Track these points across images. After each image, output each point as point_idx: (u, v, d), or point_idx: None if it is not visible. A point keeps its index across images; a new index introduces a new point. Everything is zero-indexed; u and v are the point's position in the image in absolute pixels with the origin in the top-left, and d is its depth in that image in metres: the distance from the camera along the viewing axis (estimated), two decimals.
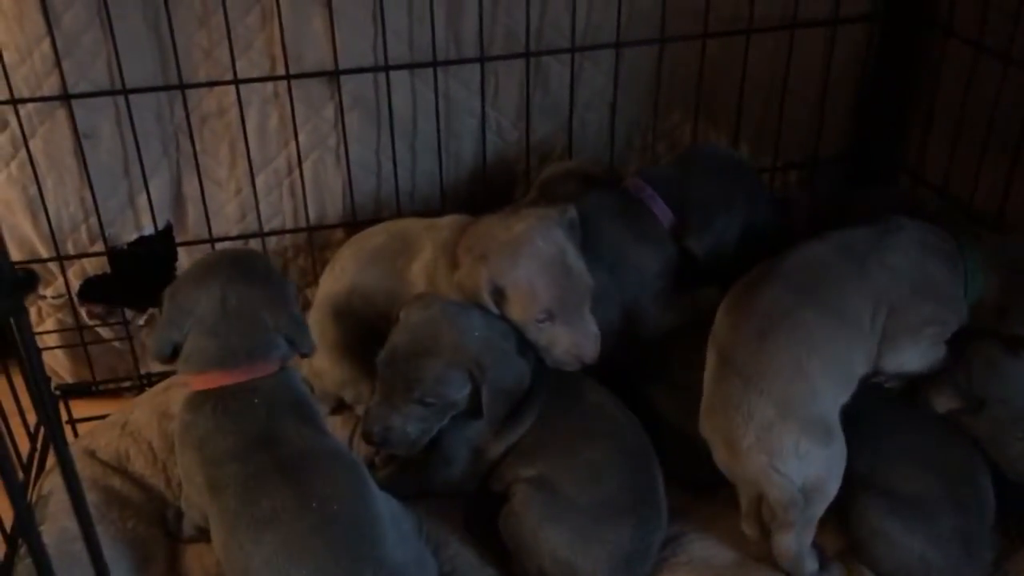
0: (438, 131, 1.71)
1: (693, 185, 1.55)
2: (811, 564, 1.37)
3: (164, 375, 1.73)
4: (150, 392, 1.68)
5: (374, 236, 1.56)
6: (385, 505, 1.24)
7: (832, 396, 1.35)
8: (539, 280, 1.37)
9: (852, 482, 1.37)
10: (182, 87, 1.56)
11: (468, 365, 1.33)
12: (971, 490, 1.40)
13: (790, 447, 1.31)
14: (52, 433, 0.75)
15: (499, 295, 1.38)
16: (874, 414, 1.41)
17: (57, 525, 1.36)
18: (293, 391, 1.29)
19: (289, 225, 1.75)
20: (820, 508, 1.35)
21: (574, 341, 1.39)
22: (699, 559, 1.39)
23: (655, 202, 1.54)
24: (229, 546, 1.19)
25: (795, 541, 1.35)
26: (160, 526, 1.44)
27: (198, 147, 1.62)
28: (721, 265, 1.54)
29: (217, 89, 1.60)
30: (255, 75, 1.59)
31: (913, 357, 1.40)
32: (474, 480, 1.43)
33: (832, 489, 1.34)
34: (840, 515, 1.40)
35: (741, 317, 1.36)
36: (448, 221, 1.51)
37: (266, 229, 1.73)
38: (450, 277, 1.42)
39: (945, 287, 1.41)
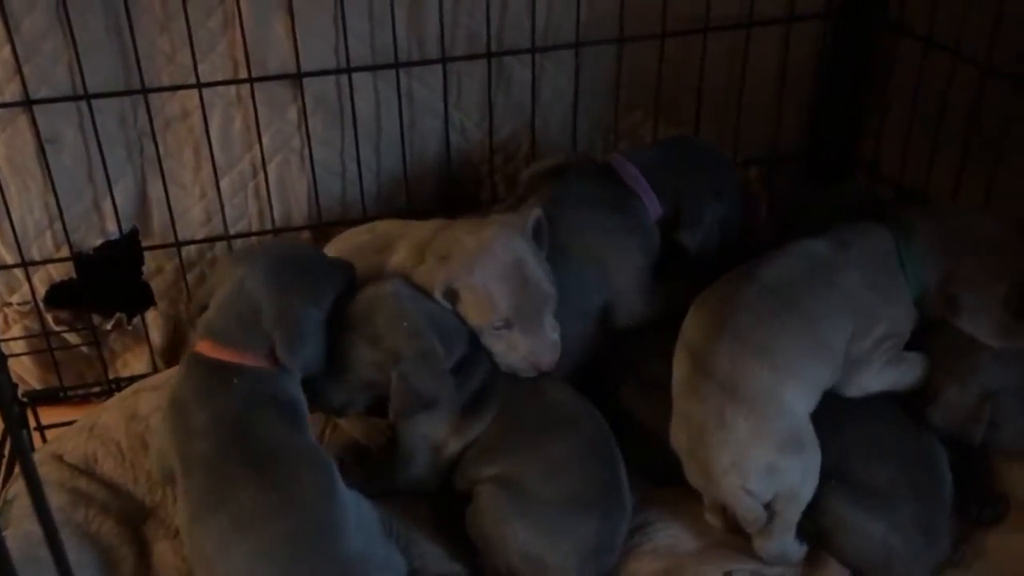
0: (402, 132, 1.72)
1: (685, 177, 1.56)
2: (796, 553, 1.40)
3: (132, 379, 1.73)
4: (118, 396, 1.67)
5: (359, 234, 1.57)
6: (353, 505, 1.26)
7: (804, 409, 1.37)
8: (496, 288, 1.38)
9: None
10: (145, 91, 1.57)
11: (384, 352, 1.33)
12: (930, 477, 1.43)
13: (763, 467, 1.33)
14: (14, 437, 0.76)
15: (453, 297, 1.39)
16: (832, 405, 1.44)
17: (21, 530, 1.36)
18: (280, 390, 1.30)
19: (255, 228, 1.76)
20: (796, 512, 1.37)
21: (531, 349, 1.40)
22: (664, 547, 1.41)
23: (647, 194, 1.54)
24: (192, 526, 1.21)
25: (776, 545, 1.38)
26: (128, 524, 1.44)
27: (162, 151, 1.63)
28: (706, 258, 1.56)
29: (180, 93, 1.61)
30: (218, 79, 1.60)
31: (873, 379, 1.43)
32: (436, 477, 1.43)
33: (807, 493, 1.36)
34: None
35: (717, 328, 1.38)
36: (428, 222, 1.52)
37: (232, 232, 1.74)
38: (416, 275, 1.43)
39: (895, 298, 1.43)
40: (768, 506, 1.37)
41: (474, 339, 1.41)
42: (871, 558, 1.39)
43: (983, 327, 1.40)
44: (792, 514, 1.37)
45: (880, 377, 1.43)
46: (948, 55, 1.60)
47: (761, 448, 1.33)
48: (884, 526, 1.38)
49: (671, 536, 1.43)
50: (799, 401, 1.36)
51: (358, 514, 1.26)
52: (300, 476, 1.22)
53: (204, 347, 1.30)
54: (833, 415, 1.42)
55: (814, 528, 1.42)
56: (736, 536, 1.42)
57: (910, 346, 1.46)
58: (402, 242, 1.50)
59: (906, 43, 1.74)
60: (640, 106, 1.86)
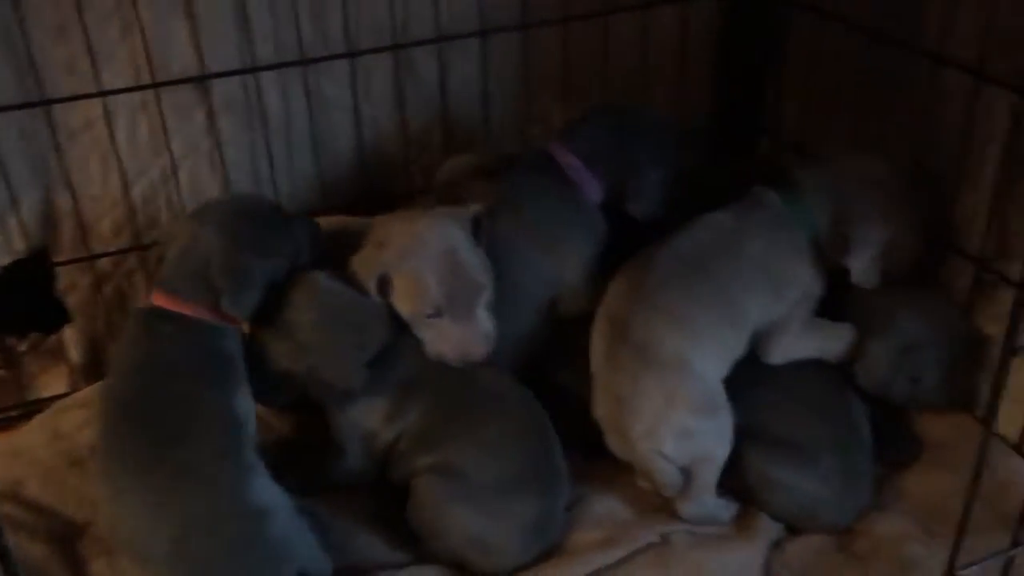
0: (312, 129, 1.72)
1: (623, 150, 1.57)
2: (723, 512, 1.46)
3: (53, 399, 1.70)
4: (40, 417, 1.64)
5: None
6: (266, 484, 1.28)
7: (716, 374, 1.44)
8: (428, 275, 1.39)
9: (737, 434, 1.45)
10: (45, 103, 1.53)
11: (295, 343, 1.34)
12: (849, 428, 1.49)
13: (677, 432, 1.39)
14: None
15: (386, 285, 1.40)
16: (748, 365, 1.49)
17: None
18: (216, 344, 1.32)
19: None
20: (712, 474, 1.43)
21: (462, 339, 1.41)
22: (603, 516, 1.45)
23: (588, 183, 1.57)
24: (97, 463, 1.28)
25: (696, 506, 1.43)
26: (60, 544, 1.41)
27: (68, 163, 1.60)
28: (658, 221, 1.59)
29: (83, 103, 1.57)
30: (120, 86, 1.57)
31: (795, 345, 1.50)
32: (372, 467, 1.45)
33: (722, 455, 1.42)
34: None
35: (632, 297, 1.44)
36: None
37: (145, 242, 1.71)
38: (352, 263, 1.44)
39: (799, 258, 1.49)
40: (685, 469, 1.42)
41: (404, 328, 1.42)
42: (800, 510, 1.45)
43: (857, 262, 1.47)
44: (708, 476, 1.42)
45: (801, 342, 1.49)
46: (839, 23, 1.67)
47: (674, 413, 1.38)
48: (810, 479, 1.44)
49: (609, 505, 1.47)
50: (710, 366, 1.43)
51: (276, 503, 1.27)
52: (196, 431, 1.25)
53: (154, 297, 1.32)
54: (754, 376, 1.48)
55: (743, 486, 1.47)
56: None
57: (834, 311, 1.52)
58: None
59: (799, 13, 1.81)
60: (548, 91, 1.89)
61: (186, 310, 1.30)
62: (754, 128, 2.02)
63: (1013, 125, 1.42)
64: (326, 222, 1.51)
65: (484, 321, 1.43)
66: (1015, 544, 1.08)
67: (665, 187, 1.59)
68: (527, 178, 1.58)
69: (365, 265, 1.41)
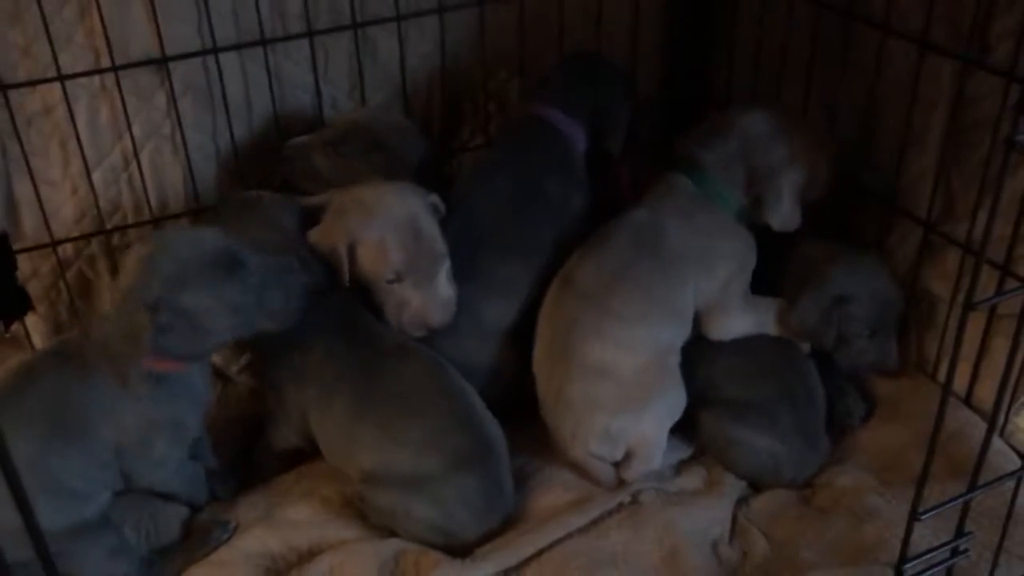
0: (274, 109, 1.72)
1: (597, 95, 1.68)
2: (673, 457, 1.53)
3: None
4: None
5: None
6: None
7: (643, 365, 1.47)
8: (390, 240, 1.42)
9: (695, 398, 1.51)
10: (2, 88, 1.51)
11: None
12: (803, 387, 1.55)
13: (600, 435, 1.45)
14: None
15: (352, 251, 1.43)
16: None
17: None
18: None
19: (132, 219, 1.72)
20: (653, 452, 1.48)
21: (423, 305, 1.45)
22: (572, 479, 1.50)
23: (576, 132, 1.65)
24: None
25: (641, 471, 1.48)
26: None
27: (27, 149, 1.58)
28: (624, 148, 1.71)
29: (41, 88, 1.56)
30: (79, 69, 1.56)
31: (735, 323, 1.54)
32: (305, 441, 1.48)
33: (659, 435, 1.48)
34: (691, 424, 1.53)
35: (559, 308, 1.49)
36: None
37: (108, 226, 1.69)
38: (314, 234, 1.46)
39: (723, 233, 1.53)
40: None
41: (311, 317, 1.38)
42: (762, 468, 1.51)
43: (777, 213, 1.53)
44: (648, 454, 1.48)
45: (742, 320, 1.54)
46: None
47: (593, 417, 1.44)
48: (769, 438, 1.50)
49: (555, 470, 1.52)
50: (633, 364, 1.46)
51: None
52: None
53: None
54: (711, 345, 1.53)
55: (707, 447, 1.53)
56: None
57: (770, 272, 1.58)
58: None
59: None
60: (504, 66, 1.91)
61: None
62: (702, 101, 2.06)
63: (956, 91, 1.47)
64: None
65: (444, 288, 1.46)
66: (971, 489, 1.14)
67: (629, 121, 1.71)
68: (522, 140, 1.64)
69: (330, 235, 1.43)
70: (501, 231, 1.55)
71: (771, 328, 1.55)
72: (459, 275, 1.50)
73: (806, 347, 1.58)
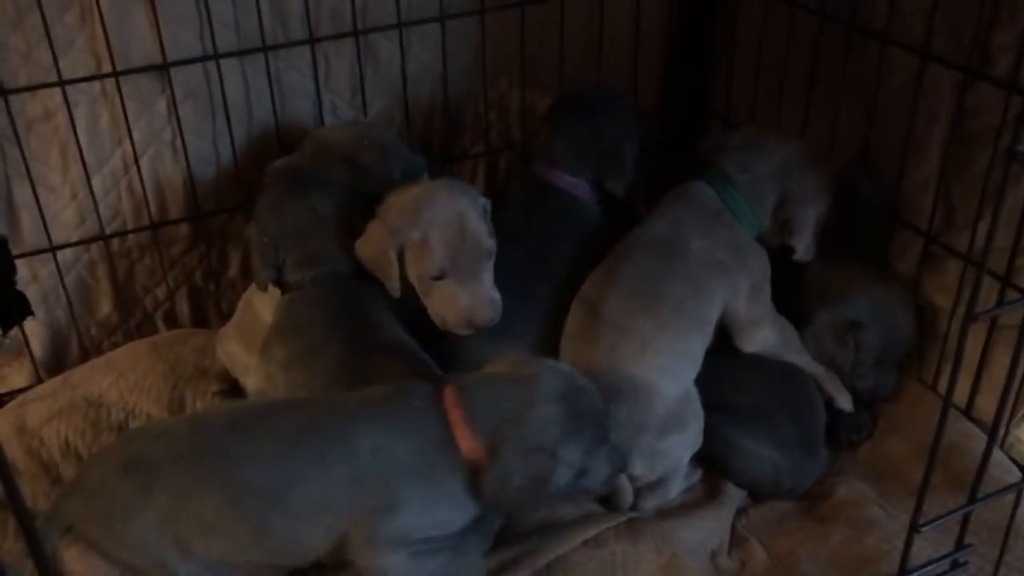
0: (275, 116, 1.72)
1: (598, 144, 1.66)
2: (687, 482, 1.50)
3: (15, 394, 1.68)
4: (3, 411, 1.63)
5: None
6: None
7: (686, 383, 1.46)
8: (435, 236, 1.41)
9: (703, 407, 1.49)
10: (3, 93, 1.51)
11: None
12: (804, 400, 1.55)
13: (646, 455, 1.42)
14: None
15: (401, 254, 1.42)
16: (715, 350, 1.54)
17: None
18: None
19: (131, 225, 1.72)
20: (679, 480, 1.48)
21: (467, 303, 1.42)
22: None
23: (581, 189, 1.66)
24: None
25: (657, 504, 1.47)
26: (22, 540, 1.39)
27: (27, 154, 1.57)
28: (637, 187, 1.69)
29: (41, 93, 1.56)
30: (80, 75, 1.56)
31: (768, 333, 1.54)
32: None
33: (688, 457, 1.46)
34: None
35: (590, 331, 1.46)
36: None
37: (108, 232, 1.69)
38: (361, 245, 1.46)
39: (742, 248, 1.53)
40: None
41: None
42: (762, 477, 1.50)
43: (803, 242, 1.54)
44: (675, 484, 1.47)
45: (771, 332, 1.54)
46: (786, 5, 1.72)
47: (641, 438, 1.41)
48: (770, 448, 1.49)
49: None
50: (680, 380, 1.45)
51: None
52: None
53: None
54: (716, 358, 1.53)
55: (709, 456, 1.53)
56: None
57: (786, 290, 1.57)
58: None
59: None
60: (505, 75, 1.91)
61: None
62: (702, 112, 2.06)
63: (957, 102, 1.47)
64: None
65: (490, 286, 1.44)
66: (972, 501, 1.13)
67: (636, 159, 1.69)
68: (532, 207, 1.65)
69: (376, 241, 1.42)
70: (523, 292, 1.52)
71: (795, 346, 1.56)
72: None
73: None
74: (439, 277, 1.42)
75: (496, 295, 1.44)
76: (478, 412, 1.17)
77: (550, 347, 1.49)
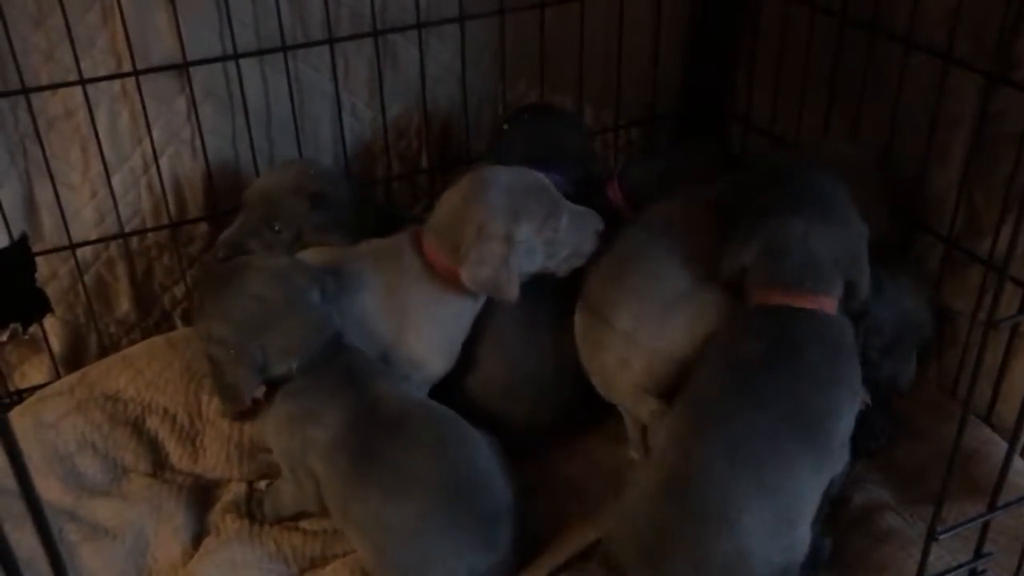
0: (294, 116, 1.72)
1: (547, 132, 1.71)
2: None
3: (34, 390, 1.69)
4: (20, 407, 1.63)
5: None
6: None
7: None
8: (529, 195, 1.41)
9: None
10: (25, 91, 1.52)
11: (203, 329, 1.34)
12: None
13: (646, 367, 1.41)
14: None
15: (517, 245, 1.39)
16: None
17: None
18: None
19: (150, 224, 1.73)
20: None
21: (585, 222, 1.45)
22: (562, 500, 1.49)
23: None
24: None
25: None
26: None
27: (48, 152, 1.58)
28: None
29: (62, 91, 1.56)
30: (101, 74, 1.56)
31: None
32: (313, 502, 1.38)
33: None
34: None
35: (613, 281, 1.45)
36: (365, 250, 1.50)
37: (127, 229, 1.70)
38: (424, 286, 1.44)
39: None
40: None
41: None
42: None
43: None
44: None
45: None
46: (808, 8, 1.71)
47: (639, 349, 1.41)
48: None
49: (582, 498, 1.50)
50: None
51: None
52: None
53: None
54: None
55: None
56: None
57: None
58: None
59: None
60: (524, 76, 1.91)
61: None
62: (722, 114, 2.05)
63: (980, 106, 1.46)
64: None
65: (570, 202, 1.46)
66: (991, 509, 1.12)
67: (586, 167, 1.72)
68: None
69: (490, 252, 1.38)
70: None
71: None
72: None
73: None
74: (558, 228, 1.42)
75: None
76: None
77: None
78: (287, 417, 1.33)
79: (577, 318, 1.50)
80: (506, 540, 1.31)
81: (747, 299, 1.34)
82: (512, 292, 1.39)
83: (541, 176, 1.45)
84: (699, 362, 1.33)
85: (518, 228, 1.39)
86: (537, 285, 1.46)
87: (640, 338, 1.41)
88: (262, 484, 1.53)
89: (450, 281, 1.42)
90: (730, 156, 1.88)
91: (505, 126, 1.75)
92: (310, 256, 1.48)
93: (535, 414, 1.52)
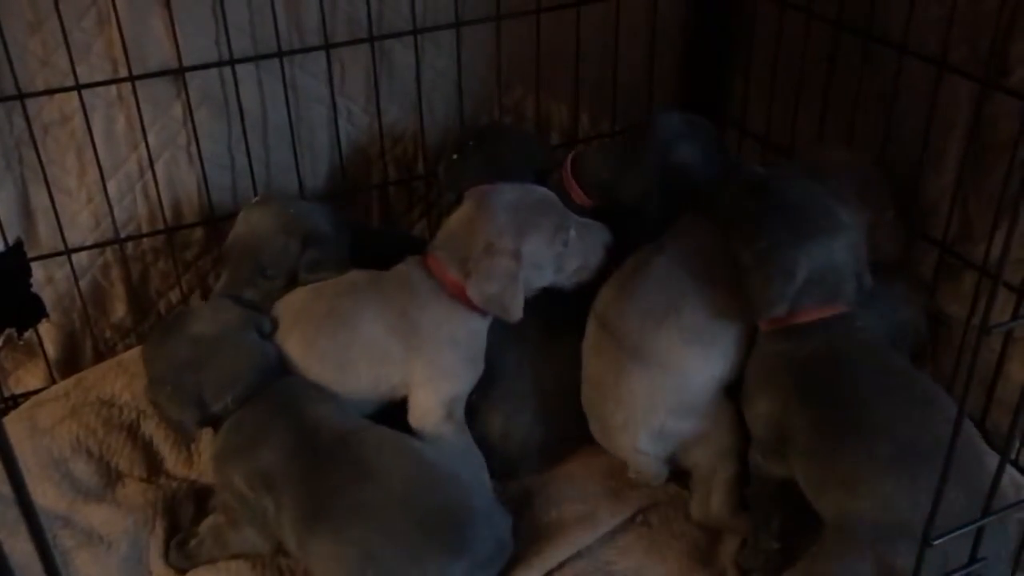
0: (290, 122, 1.72)
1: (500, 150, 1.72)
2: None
3: (29, 395, 1.69)
4: (15, 413, 1.63)
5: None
6: None
7: (710, 379, 1.42)
8: (536, 211, 1.42)
9: None
10: (21, 97, 1.52)
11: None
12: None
13: (653, 431, 1.40)
14: None
15: (525, 261, 1.39)
16: None
17: None
18: None
19: (146, 229, 1.73)
20: (713, 466, 1.42)
21: (593, 237, 1.46)
22: (562, 493, 1.50)
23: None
24: None
25: (712, 508, 1.43)
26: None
27: (43, 157, 1.58)
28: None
29: (58, 96, 1.56)
30: (97, 79, 1.57)
31: None
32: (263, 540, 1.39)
33: (717, 455, 1.41)
34: None
35: (628, 302, 1.43)
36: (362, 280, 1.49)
37: (123, 235, 1.70)
38: (435, 308, 1.43)
39: None
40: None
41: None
42: None
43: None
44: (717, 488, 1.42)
45: None
46: (803, 14, 1.71)
47: (652, 411, 1.39)
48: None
49: (586, 480, 1.52)
50: (703, 369, 1.41)
51: None
52: None
53: None
54: None
55: None
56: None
57: None
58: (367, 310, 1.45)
59: (764, 4, 1.85)
60: (520, 81, 1.91)
61: None
62: (721, 119, 2.06)
63: (974, 112, 1.46)
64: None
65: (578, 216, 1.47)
66: (985, 515, 1.12)
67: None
68: None
69: (498, 268, 1.38)
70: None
71: None
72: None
73: None
74: (566, 241, 1.43)
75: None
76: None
77: None
78: (233, 450, 1.35)
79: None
80: (480, 544, 1.29)
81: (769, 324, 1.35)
82: (516, 311, 1.39)
83: (547, 191, 1.46)
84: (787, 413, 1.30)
85: (526, 243, 1.39)
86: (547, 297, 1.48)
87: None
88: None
89: (462, 298, 1.42)
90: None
91: (455, 156, 1.72)
92: (301, 296, 1.48)
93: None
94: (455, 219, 1.45)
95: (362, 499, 1.27)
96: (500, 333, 1.48)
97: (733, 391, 1.43)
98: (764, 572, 1.37)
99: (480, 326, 1.46)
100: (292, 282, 1.53)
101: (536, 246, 1.40)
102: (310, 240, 1.54)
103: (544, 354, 1.53)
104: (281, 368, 1.41)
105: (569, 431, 1.52)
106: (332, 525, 1.27)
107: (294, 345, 1.43)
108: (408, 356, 1.43)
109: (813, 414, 1.28)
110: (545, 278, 1.44)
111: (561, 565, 1.37)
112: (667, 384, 1.40)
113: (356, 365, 1.42)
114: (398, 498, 1.27)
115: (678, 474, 1.49)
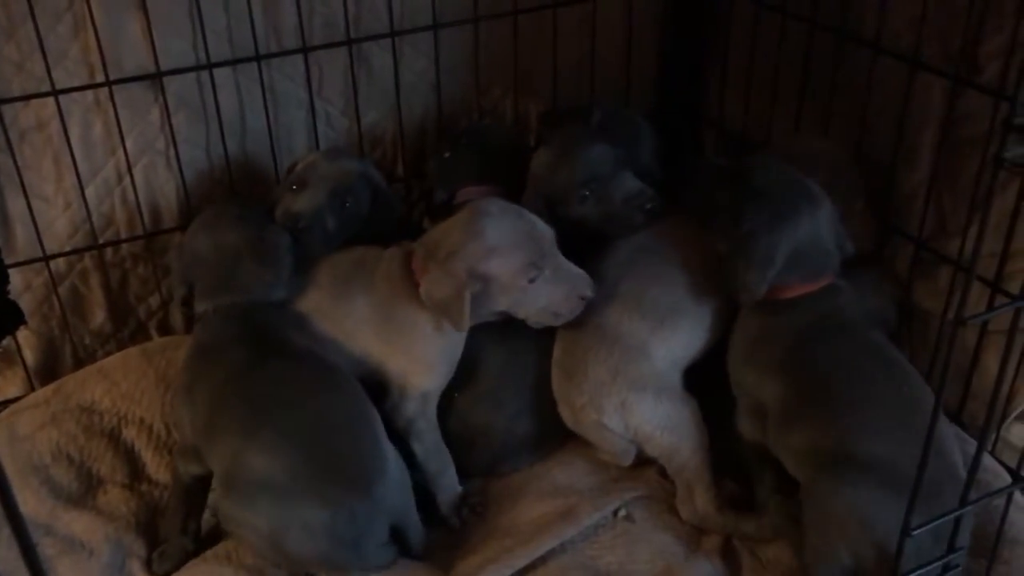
0: (268, 125, 1.72)
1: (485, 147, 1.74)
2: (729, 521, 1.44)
3: (7, 403, 1.68)
4: None
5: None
6: None
7: (672, 362, 1.47)
8: (512, 242, 1.41)
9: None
10: None
11: None
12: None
13: (616, 405, 1.43)
14: None
15: (482, 280, 1.39)
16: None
17: None
18: None
19: (125, 234, 1.72)
20: (695, 473, 1.43)
21: (570, 284, 1.44)
22: (563, 485, 1.51)
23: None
24: None
25: (697, 506, 1.44)
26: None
27: (20, 163, 1.58)
28: None
29: (34, 102, 1.56)
30: (74, 84, 1.56)
31: None
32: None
33: (679, 446, 1.43)
34: None
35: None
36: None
37: (101, 241, 1.70)
38: (408, 303, 1.44)
39: None
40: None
41: None
42: None
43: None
44: (688, 475, 1.44)
45: None
46: (778, 14, 1.73)
47: (615, 386, 1.43)
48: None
49: (570, 476, 1.52)
50: (667, 352, 1.46)
51: None
52: None
53: None
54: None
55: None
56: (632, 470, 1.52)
57: None
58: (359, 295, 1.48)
59: (740, 4, 1.86)
60: (498, 83, 1.92)
61: None
62: (695, 119, 2.07)
63: (947, 110, 1.48)
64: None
65: (571, 264, 1.45)
66: (963, 504, 1.14)
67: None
68: None
69: (447, 280, 1.38)
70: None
71: None
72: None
73: None
74: (536, 277, 1.41)
75: (579, 269, 1.46)
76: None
77: None
78: (197, 348, 1.42)
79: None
80: (378, 493, 1.30)
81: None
82: (461, 323, 1.39)
83: (543, 226, 1.44)
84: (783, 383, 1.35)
85: (486, 266, 1.39)
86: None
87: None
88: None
89: None
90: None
91: (446, 153, 1.73)
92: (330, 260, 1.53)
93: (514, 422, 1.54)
94: (447, 222, 1.47)
95: (276, 412, 1.31)
96: (483, 329, 1.48)
97: (695, 388, 1.48)
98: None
99: None
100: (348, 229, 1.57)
101: (498, 273, 1.40)
102: (377, 195, 1.61)
103: (527, 350, 1.54)
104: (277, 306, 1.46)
105: (551, 427, 1.53)
106: (239, 413, 1.32)
107: (307, 303, 1.48)
108: (383, 343, 1.46)
109: (794, 386, 1.33)
110: (499, 305, 1.43)
111: (545, 560, 1.38)
112: (628, 359, 1.44)
113: (354, 336, 1.46)
114: (311, 422, 1.31)
115: (663, 470, 1.50)
